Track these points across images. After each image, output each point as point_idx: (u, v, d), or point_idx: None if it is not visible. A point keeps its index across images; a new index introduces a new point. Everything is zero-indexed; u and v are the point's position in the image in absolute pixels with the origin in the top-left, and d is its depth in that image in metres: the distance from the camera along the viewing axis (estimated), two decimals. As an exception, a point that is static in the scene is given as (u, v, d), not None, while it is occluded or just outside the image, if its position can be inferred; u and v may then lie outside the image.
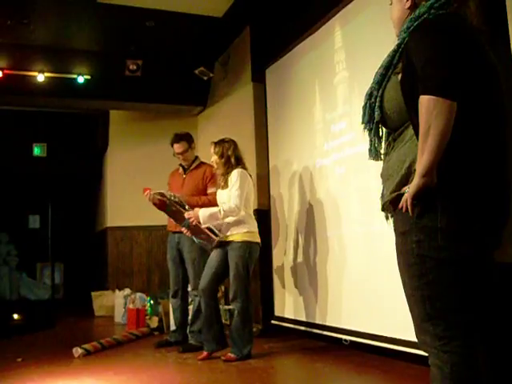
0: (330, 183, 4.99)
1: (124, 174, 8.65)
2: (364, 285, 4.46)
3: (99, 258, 9.88)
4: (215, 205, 4.72)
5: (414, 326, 2.03)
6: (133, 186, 8.37)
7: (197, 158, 5.45)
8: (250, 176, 4.72)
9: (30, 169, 9.84)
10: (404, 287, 2.02)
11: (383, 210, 2.14)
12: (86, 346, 5.04)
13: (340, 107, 4.83)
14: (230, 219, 4.56)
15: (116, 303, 7.73)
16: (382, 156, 2.19)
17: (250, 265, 4.57)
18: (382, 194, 2.20)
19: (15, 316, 8.97)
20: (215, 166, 4.75)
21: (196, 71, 7.24)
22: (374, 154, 2.23)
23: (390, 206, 2.04)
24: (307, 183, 5.32)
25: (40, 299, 11.05)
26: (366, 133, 2.24)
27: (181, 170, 5.44)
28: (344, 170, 4.77)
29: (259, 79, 6.44)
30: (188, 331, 5.23)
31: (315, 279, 5.17)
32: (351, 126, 4.65)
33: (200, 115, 8.30)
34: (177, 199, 4.70)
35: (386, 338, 4.16)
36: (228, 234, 4.60)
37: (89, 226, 11.29)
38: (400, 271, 2.03)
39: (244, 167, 4.70)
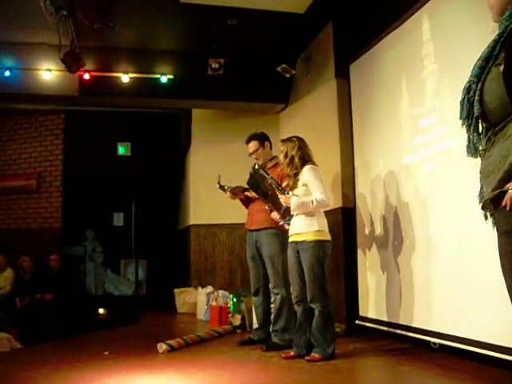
0: (417, 180, 4.82)
1: (206, 172, 8.71)
2: (454, 286, 4.27)
3: (182, 256, 10.03)
4: None
5: None
6: (215, 184, 8.40)
7: (274, 157, 5.40)
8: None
9: (115, 168, 10.11)
10: (509, 289, 1.89)
11: (483, 208, 2.01)
12: (170, 341, 5.10)
13: (429, 102, 4.66)
14: (302, 215, 4.50)
15: (198, 300, 7.81)
16: (481, 152, 2.06)
17: (324, 263, 4.48)
18: (481, 192, 2.07)
19: (100, 310, 9.27)
20: (285, 166, 4.70)
21: (278, 68, 7.21)
22: (473, 150, 2.11)
23: (492, 204, 1.91)
24: (394, 180, 5.17)
25: (124, 295, 11.36)
26: (464, 129, 2.11)
27: (261, 169, 5.44)
28: (433, 166, 4.60)
29: (343, 75, 6.32)
30: (271, 330, 5.20)
31: (401, 279, 5.02)
32: (441, 120, 4.48)
33: (282, 113, 8.26)
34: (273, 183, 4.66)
35: (477, 342, 3.97)
36: (299, 232, 4.52)
37: (172, 224, 11.49)
38: (504, 273, 1.90)
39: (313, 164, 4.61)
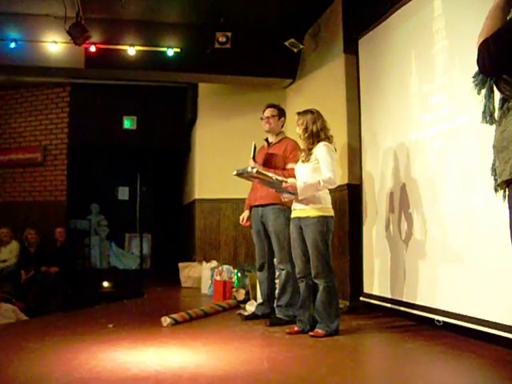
0: (426, 157, 4.77)
1: (212, 147, 8.71)
2: (461, 264, 4.26)
3: (187, 230, 10.05)
4: None
5: None
6: (221, 158, 8.43)
7: (281, 132, 5.38)
8: (335, 150, 4.60)
9: (120, 141, 10.07)
10: None
11: (499, 184, 1.98)
12: (174, 315, 5.10)
13: (439, 78, 4.59)
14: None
15: (203, 275, 7.84)
16: (497, 121, 2.01)
17: (328, 239, 4.46)
18: (494, 165, 2.04)
19: (105, 284, 9.32)
20: (299, 138, 4.65)
21: (286, 43, 7.13)
22: (489, 117, 2.06)
23: (505, 181, 1.88)
24: (402, 157, 5.12)
25: (128, 268, 11.44)
26: (480, 95, 2.06)
27: (265, 144, 5.41)
28: (442, 143, 4.55)
29: (351, 50, 6.24)
30: (275, 305, 5.21)
31: (406, 257, 5.01)
32: (451, 98, 4.42)
33: (289, 88, 8.20)
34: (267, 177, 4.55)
35: (483, 320, 3.97)
36: (302, 207, 4.50)
37: (177, 198, 11.50)
38: None
39: (330, 141, 4.56)
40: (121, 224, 12.07)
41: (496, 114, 2.02)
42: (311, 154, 4.49)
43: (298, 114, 4.65)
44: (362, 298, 5.82)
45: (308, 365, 3.57)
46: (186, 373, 3.29)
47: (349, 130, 6.20)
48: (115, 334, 4.51)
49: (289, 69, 7.82)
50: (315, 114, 4.58)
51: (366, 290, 5.80)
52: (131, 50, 7.06)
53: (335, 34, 6.55)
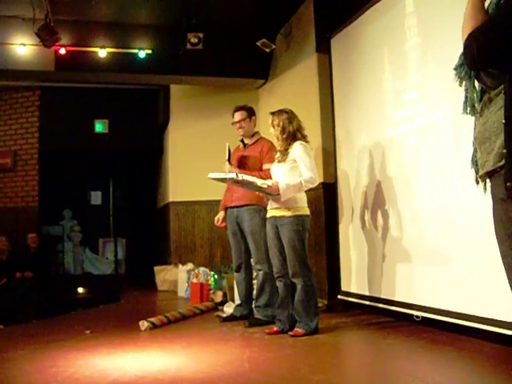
0: (401, 154, 4.80)
1: (186, 149, 8.66)
2: (438, 259, 4.30)
3: (161, 233, 9.98)
4: None
5: None
6: (194, 160, 8.39)
7: (257, 133, 5.35)
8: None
9: (92, 145, 9.94)
10: (503, 258, 1.86)
11: (479, 176, 1.97)
12: (152, 319, 5.06)
13: (412, 75, 4.62)
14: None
15: (179, 278, 7.79)
16: (478, 112, 2.00)
17: (304, 238, 4.46)
18: (474, 156, 2.03)
19: (80, 290, 9.18)
20: (275, 138, 4.62)
21: (258, 43, 7.10)
22: (470, 107, 2.05)
23: (487, 173, 1.88)
24: (377, 154, 5.14)
25: (103, 274, 11.31)
26: (462, 86, 2.05)
27: (241, 145, 5.38)
28: (417, 140, 4.57)
29: (324, 49, 6.25)
30: (254, 306, 5.19)
31: (384, 254, 5.03)
32: (425, 94, 4.45)
33: (261, 88, 8.18)
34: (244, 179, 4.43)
35: (461, 314, 4.01)
36: (277, 207, 4.48)
37: (151, 202, 11.41)
38: (499, 240, 1.87)
39: (305, 140, 4.55)
40: (94, 229, 11.96)
41: (477, 106, 2.02)
42: (288, 154, 4.47)
43: (272, 114, 4.61)
44: (339, 296, 5.83)
45: (289, 364, 3.56)
46: (167, 376, 3.26)
47: (323, 129, 6.22)
48: (93, 340, 4.45)
49: (261, 69, 7.80)
50: (290, 114, 4.56)
51: (343, 287, 5.81)
52: (102, 52, 6.96)
53: (307, 33, 6.56)
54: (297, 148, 4.44)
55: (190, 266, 7.70)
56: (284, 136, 4.51)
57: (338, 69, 5.96)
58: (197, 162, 8.33)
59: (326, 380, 3.11)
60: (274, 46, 7.24)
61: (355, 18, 5.56)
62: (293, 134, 4.50)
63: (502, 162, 1.78)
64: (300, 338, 4.28)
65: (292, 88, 7.05)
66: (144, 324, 4.92)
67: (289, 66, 7.14)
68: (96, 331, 4.85)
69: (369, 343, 4.34)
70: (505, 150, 1.73)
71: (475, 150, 2.01)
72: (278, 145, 4.62)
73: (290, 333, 4.38)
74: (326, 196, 6.09)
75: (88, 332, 4.81)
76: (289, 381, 3.13)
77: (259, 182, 4.37)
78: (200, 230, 8.68)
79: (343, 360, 3.93)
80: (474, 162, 2.03)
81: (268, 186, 4.34)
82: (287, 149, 4.50)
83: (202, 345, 4.22)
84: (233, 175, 4.38)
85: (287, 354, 3.83)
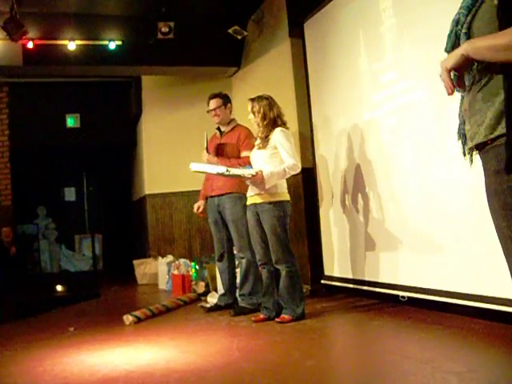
0: (380, 136, 4.79)
1: (160, 140, 8.58)
2: (421, 239, 4.32)
3: (139, 227, 9.89)
4: None
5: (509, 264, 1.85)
6: (169, 151, 8.33)
7: (233, 120, 5.31)
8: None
9: (64, 141, 9.79)
10: (498, 230, 1.85)
11: (468, 148, 1.95)
12: (136, 313, 5.00)
13: (389, 56, 4.60)
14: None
15: (159, 270, 7.72)
16: (467, 87, 1.98)
17: (286, 223, 4.43)
18: (461, 129, 2.01)
19: (58, 288, 9.07)
20: (255, 125, 4.57)
21: (230, 30, 7.03)
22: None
23: (476, 147, 1.86)
24: (355, 137, 5.13)
25: (81, 270, 11.19)
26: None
27: (218, 133, 5.33)
28: (396, 121, 4.57)
29: (297, 34, 6.20)
30: (238, 294, 5.17)
31: (366, 236, 5.04)
32: (402, 75, 4.44)
33: (234, 76, 8.12)
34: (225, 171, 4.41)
35: (446, 292, 4.05)
36: (258, 193, 4.45)
37: (126, 196, 11.29)
38: (493, 213, 1.85)
39: (286, 126, 4.52)
40: (69, 226, 11.81)
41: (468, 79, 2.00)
42: (268, 141, 4.44)
43: (252, 100, 4.55)
44: (323, 281, 5.83)
45: (280, 351, 3.54)
46: (157, 369, 3.22)
47: (299, 114, 6.18)
48: (78, 337, 4.38)
49: (233, 57, 7.73)
50: (270, 100, 4.52)
51: (326, 272, 5.82)
52: (71, 45, 6.80)
53: (279, 18, 6.50)
54: (278, 134, 4.41)
55: (169, 258, 7.65)
56: (265, 122, 4.46)
57: (313, 53, 5.93)
58: (171, 152, 8.29)
59: (318, 364, 3.10)
60: (245, 33, 7.18)
61: (328, 1, 5.51)
62: (273, 120, 4.46)
63: (494, 135, 1.76)
64: (287, 324, 4.27)
65: (265, 74, 7.00)
66: (128, 318, 4.86)
67: (261, 53, 7.09)
68: (80, 328, 4.77)
69: (356, 325, 4.34)
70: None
71: (462, 123, 1.99)
72: (258, 131, 4.56)
73: (277, 319, 4.37)
74: (305, 181, 6.07)
75: (72, 329, 4.73)
76: (282, 367, 3.11)
77: (246, 172, 4.33)
78: (178, 221, 8.62)
79: (333, 344, 3.93)
80: (462, 135, 2.01)
81: (252, 175, 4.30)
82: (268, 135, 4.46)
83: (190, 336, 4.18)
84: (222, 170, 4.34)
85: (276, 341, 3.81)
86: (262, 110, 4.46)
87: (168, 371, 3.15)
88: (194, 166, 4.51)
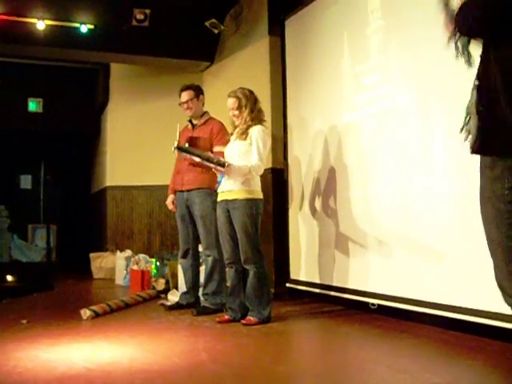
0: (359, 139, 4.69)
1: (125, 132, 8.35)
2: (393, 247, 4.27)
3: (97, 219, 9.61)
4: None
5: (496, 269, 1.85)
6: (134, 143, 8.14)
7: (206, 113, 5.16)
8: None
9: (25, 126, 9.43)
10: (488, 235, 1.81)
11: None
12: (94, 307, 4.80)
13: (373, 59, 4.50)
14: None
15: (117, 265, 7.51)
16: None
17: (257, 222, 4.34)
18: (466, 126, 1.96)
19: (9, 278, 8.71)
20: (236, 118, 4.41)
21: (206, 23, 6.84)
22: (467, 57, 1.95)
23: None
24: (332, 139, 5.01)
25: (32, 261, 10.81)
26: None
27: (190, 126, 5.17)
28: (377, 125, 4.47)
29: (277, 32, 6.06)
30: (201, 293, 5.01)
31: (336, 241, 4.95)
32: (387, 78, 4.35)
33: (206, 71, 7.91)
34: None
35: (415, 301, 4.00)
36: (230, 189, 4.31)
37: (85, 186, 10.97)
38: (485, 218, 1.83)
39: (265, 126, 4.43)
40: (23, 214, 11.41)
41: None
42: (247, 134, 4.30)
43: (235, 93, 4.41)
44: (288, 285, 5.71)
45: (248, 354, 3.42)
46: (120, 369, 3.04)
47: (273, 114, 6.02)
48: (32, 331, 4.14)
49: (207, 51, 7.50)
50: (253, 93, 4.42)
51: (292, 276, 5.69)
52: (40, 24, 6.46)
53: (259, 14, 6.35)
54: (258, 131, 4.30)
55: (128, 252, 7.43)
56: (253, 115, 4.35)
57: (293, 52, 5.80)
58: (136, 145, 8.09)
59: (291, 370, 2.99)
60: (223, 27, 7.01)
61: (312, 0, 5.40)
62: (257, 115, 4.36)
63: None
64: (253, 326, 4.15)
65: (240, 72, 6.83)
66: (86, 312, 4.64)
67: (237, 49, 6.91)
68: (33, 321, 4.51)
69: (325, 331, 4.24)
70: None
71: (469, 117, 1.93)
72: (239, 122, 4.41)
73: (243, 321, 4.24)
74: (275, 182, 5.93)
75: (24, 322, 4.47)
76: (251, 371, 2.97)
77: (225, 162, 4.23)
78: (138, 215, 8.40)
79: (304, 349, 3.84)
80: (467, 130, 1.95)
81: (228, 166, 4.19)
82: (249, 127, 4.31)
83: (151, 334, 4.00)
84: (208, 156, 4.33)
85: (243, 344, 3.68)
86: (249, 105, 4.35)
87: (131, 371, 2.97)
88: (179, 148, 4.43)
